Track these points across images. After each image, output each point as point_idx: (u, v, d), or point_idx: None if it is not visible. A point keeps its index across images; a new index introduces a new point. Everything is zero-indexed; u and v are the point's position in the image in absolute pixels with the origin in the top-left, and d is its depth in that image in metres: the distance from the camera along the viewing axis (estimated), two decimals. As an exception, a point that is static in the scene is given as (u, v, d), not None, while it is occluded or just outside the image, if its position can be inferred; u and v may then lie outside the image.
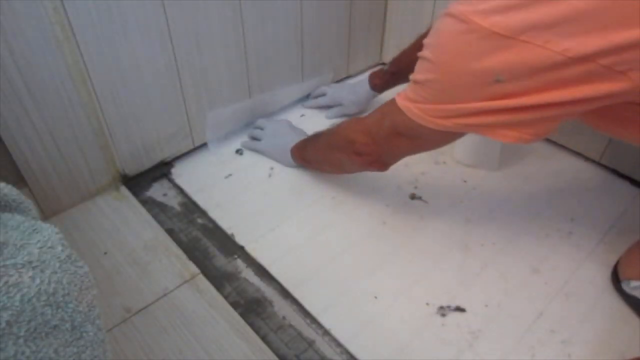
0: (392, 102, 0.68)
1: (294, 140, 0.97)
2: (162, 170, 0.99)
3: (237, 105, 1.04)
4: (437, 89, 0.61)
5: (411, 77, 0.64)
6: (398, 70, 1.02)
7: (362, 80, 1.11)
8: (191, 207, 0.92)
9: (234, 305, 0.75)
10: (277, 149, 1.00)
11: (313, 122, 1.11)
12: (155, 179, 0.98)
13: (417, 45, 0.91)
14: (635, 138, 0.65)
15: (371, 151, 0.77)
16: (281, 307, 0.76)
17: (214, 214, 0.91)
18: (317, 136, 0.91)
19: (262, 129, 1.05)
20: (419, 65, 0.63)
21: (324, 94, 1.16)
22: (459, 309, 0.75)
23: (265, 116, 1.11)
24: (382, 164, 0.79)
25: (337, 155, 0.84)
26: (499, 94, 0.56)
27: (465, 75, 0.57)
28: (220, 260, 0.83)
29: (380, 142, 0.74)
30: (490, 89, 0.56)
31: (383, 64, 1.29)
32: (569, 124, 1.00)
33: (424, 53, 0.61)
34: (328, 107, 1.16)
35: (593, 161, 1.01)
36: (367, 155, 0.78)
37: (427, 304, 0.76)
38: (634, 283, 0.74)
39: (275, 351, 0.69)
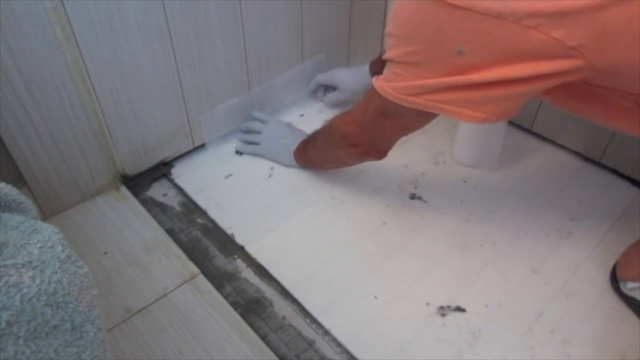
0: (373, 86, 0.70)
1: (294, 142, 0.97)
2: (162, 170, 0.99)
3: (235, 100, 1.03)
4: (405, 63, 0.62)
5: (384, 56, 0.66)
6: None
7: (363, 67, 1.08)
8: (191, 207, 0.92)
9: (234, 305, 0.75)
10: (277, 152, 1.00)
11: (313, 121, 1.11)
12: (155, 179, 0.98)
13: None
14: (596, 115, 0.68)
15: (363, 140, 0.78)
16: (281, 307, 0.76)
17: (214, 214, 0.91)
18: (314, 136, 0.92)
19: (258, 132, 1.03)
20: (387, 43, 0.65)
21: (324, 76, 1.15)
22: (459, 309, 0.75)
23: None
24: (378, 152, 0.81)
25: (336, 151, 0.85)
26: (462, 67, 0.58)
27: (429, 45, 0.59)
28: (220, 260, 0.83)
29: (369, 129, 0.76)
30: (453, 60, 0.58)
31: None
32: (570, 124, 1.00)
33: (389, 29, 0.63)
34: (325, 87, 1.15)
35: (593, 161, 1.01)
36: (361, 145, 0.79)
37: (427, 304, 0.76)
38: (630, 284, 0.74)
39: (275, 351, 0.69)
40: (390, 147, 0.81)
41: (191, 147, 1.02)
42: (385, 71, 0.67)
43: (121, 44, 0.80)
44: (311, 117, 1.13)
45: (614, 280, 0.77)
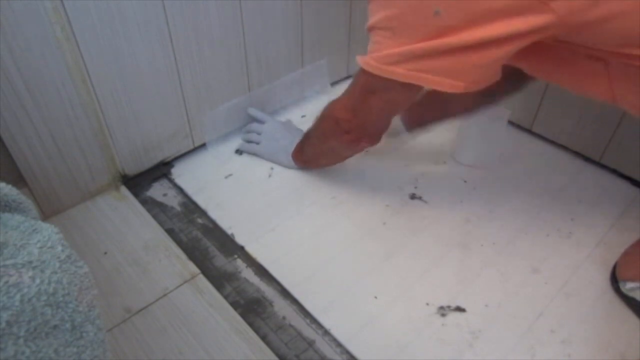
0: (359, 66, 0.71)
1: (292, 143, 0.97)
2: (162, 170, 0.99)
3: (236, 101, 1.03)
4: (385, 29, 0.63)
5: (366, 25, 0.67)
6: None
7: None
8: (191, 207, 0.92)
9: (234, 305, 0.75)
10: (276, 153, 1.00)
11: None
12: (155, 179, 0.98)
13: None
14: (566, 78, 0.69)
15: (354, 125, 0.79)
16: (281, 307, 0.76)
17: (214, 214, 0.91)
18: (308, 133, 0.92)
19: (258, 133, 1.04)
20: (369, 10, 0.65)
21: None
22: (459, 309, 0.75)
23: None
24: (370, 137, 0.81)
25: (330, 142, 0.85)
26: (440, 29, 0.59)
27: (407, 8, 0.60)
28: (220, 260, 0.83)
29: (358, 111, 0.76)
30: (431, 22, 0.59)
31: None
32: (570, 124, 1.01)
33: None
34: None
35: (593, 161, 1.01)
36: (352, 131, 0.79)
37: (427, 304, 0.76)
38: (630, 284, 0.74)
39: (275, 351, 0.69)
40: (381, 130, 0.81)
41: (191, 147, 1.02)
42: (369, 44, 0.67)
43: (121, 44, 0.80)
44: (312, 118, 1.13)
45: (614, 280, 0.77)
